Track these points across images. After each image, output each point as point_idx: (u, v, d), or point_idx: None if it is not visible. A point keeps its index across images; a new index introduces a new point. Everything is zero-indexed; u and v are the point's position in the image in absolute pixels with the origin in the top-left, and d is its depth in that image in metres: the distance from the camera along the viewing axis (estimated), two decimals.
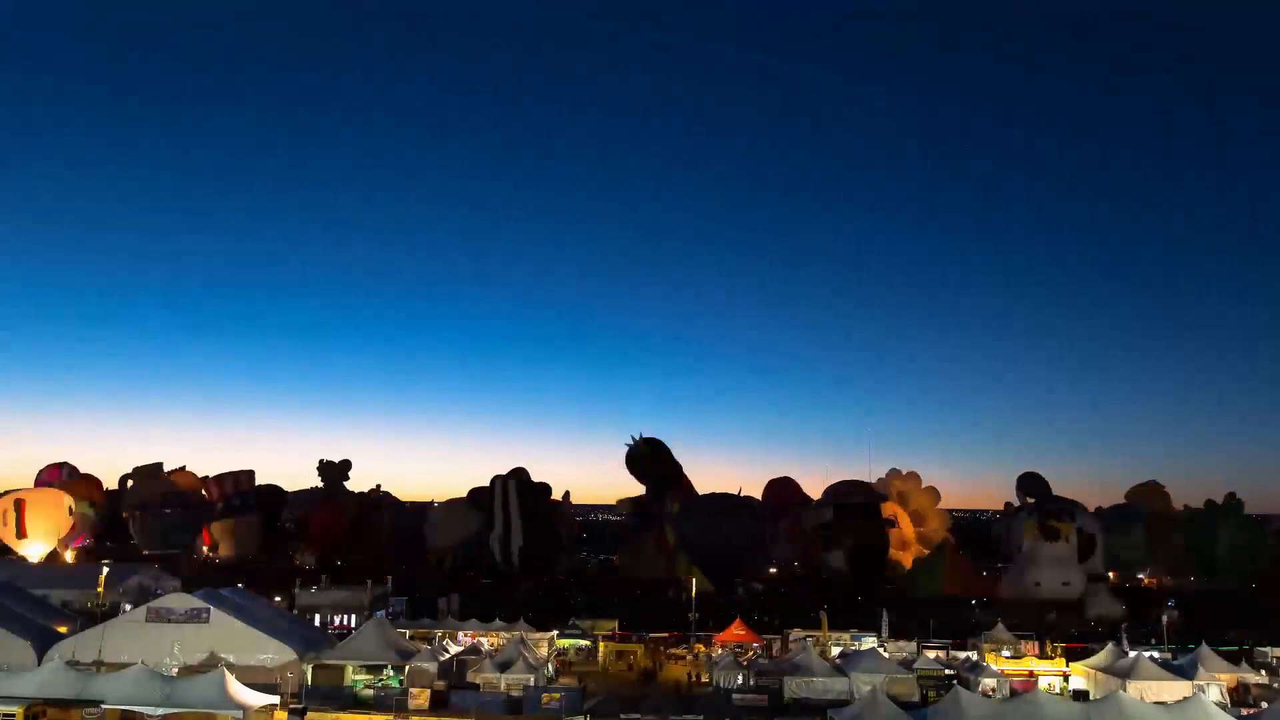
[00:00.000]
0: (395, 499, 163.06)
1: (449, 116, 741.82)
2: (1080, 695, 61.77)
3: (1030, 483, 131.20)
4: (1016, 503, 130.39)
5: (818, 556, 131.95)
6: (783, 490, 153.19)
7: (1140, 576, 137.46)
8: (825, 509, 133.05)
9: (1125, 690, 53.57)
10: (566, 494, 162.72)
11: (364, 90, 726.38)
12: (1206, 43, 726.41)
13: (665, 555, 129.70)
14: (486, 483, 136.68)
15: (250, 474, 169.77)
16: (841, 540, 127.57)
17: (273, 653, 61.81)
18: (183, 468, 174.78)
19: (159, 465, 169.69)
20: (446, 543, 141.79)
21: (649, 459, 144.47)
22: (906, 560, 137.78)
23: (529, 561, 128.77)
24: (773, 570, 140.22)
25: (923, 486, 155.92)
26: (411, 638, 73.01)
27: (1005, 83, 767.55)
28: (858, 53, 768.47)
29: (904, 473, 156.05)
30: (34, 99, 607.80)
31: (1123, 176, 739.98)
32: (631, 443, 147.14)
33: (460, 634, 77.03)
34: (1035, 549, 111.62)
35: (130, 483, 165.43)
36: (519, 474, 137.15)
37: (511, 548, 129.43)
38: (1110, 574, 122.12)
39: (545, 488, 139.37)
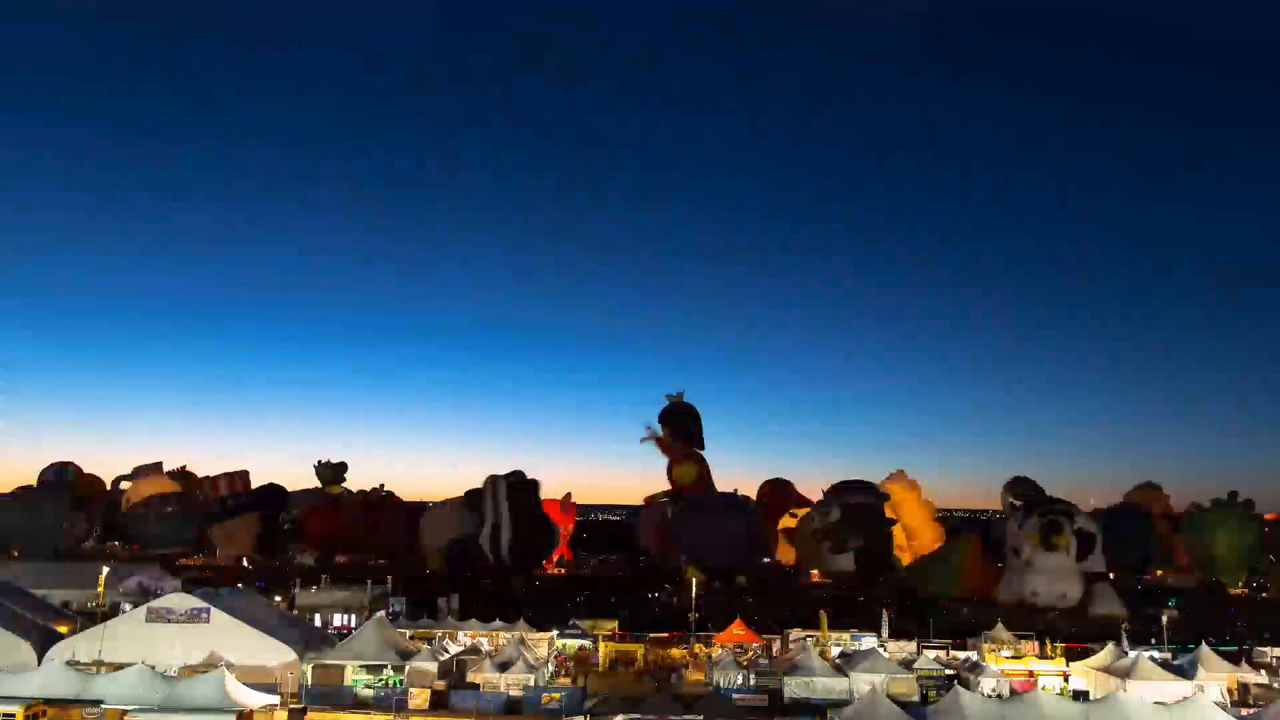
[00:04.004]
0: (397, 498, 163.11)
1: (445, 121, 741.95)
2: (1080, 695, 61.77)
3: (1019, 486, 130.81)
4: (1009, 506, 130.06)
5: (820, 557, 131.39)
6: (779, 491, 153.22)
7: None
8: (832, 510, 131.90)
9: (1125, 690, 53.60)
10: (567, 495, 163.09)
11: (363, 93, 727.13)
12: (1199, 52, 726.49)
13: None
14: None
15: (245, 474, 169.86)
16: (849, 542, 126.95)
17: (273, 653, 61.80)
18: (183, 467, 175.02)
19: (159, 464, 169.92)
20: (437, 542, 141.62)
21: (687, 417, 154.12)
22: (904, 560, 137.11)
23: (519, 558, 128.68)
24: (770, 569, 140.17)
25: (921, 497, 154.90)
26: (411, 638, 73.02)
27: (1007, 85, 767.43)
28: (860, 59, 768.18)
29: (907, 479, 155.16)
30: (33, 97, 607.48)
31: (1119, 178, 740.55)
32: (673, 396, 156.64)
33: (460, 634, 77.00)
34: (1034, 557, 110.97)
35: (127, 483, 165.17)
36: (514, 476, 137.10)
37: (501, 544, 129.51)
38: (1111, 574, 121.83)
39: (534, 484, 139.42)
